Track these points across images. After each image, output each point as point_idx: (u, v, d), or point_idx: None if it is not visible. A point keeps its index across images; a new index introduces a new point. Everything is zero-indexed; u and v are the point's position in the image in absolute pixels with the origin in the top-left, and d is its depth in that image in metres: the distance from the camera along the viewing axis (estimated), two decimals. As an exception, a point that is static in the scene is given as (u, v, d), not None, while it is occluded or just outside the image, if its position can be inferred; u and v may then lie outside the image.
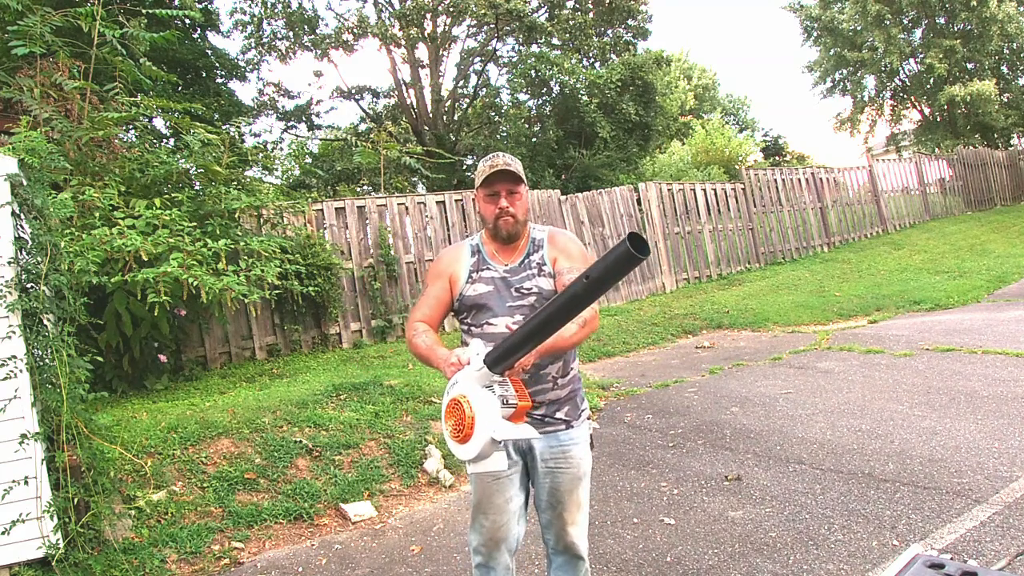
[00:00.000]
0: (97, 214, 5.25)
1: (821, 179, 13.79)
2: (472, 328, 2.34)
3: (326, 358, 7.54)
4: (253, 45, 18.02)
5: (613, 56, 19.02)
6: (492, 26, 17.72)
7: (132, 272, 4.94)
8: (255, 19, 17.70)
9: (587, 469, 2.38)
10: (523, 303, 2.30)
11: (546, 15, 18.67)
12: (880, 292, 9.66)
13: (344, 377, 6.07)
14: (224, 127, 11.66)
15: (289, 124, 19.23)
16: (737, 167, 19.07)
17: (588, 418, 2.45)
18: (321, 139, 20.26)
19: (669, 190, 11.48)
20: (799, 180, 13.49)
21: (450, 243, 9.14)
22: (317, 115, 19.37)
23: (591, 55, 19.55)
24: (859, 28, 22.87)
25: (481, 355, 1.87)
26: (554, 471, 2.33)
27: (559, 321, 1.74)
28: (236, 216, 6.74)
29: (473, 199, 2.63)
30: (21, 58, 6.04)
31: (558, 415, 2.34)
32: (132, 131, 7.89)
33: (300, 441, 4.62)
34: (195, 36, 14.24)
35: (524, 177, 2.33)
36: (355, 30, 17.82)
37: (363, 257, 8.53)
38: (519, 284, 2.32)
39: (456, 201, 9.35)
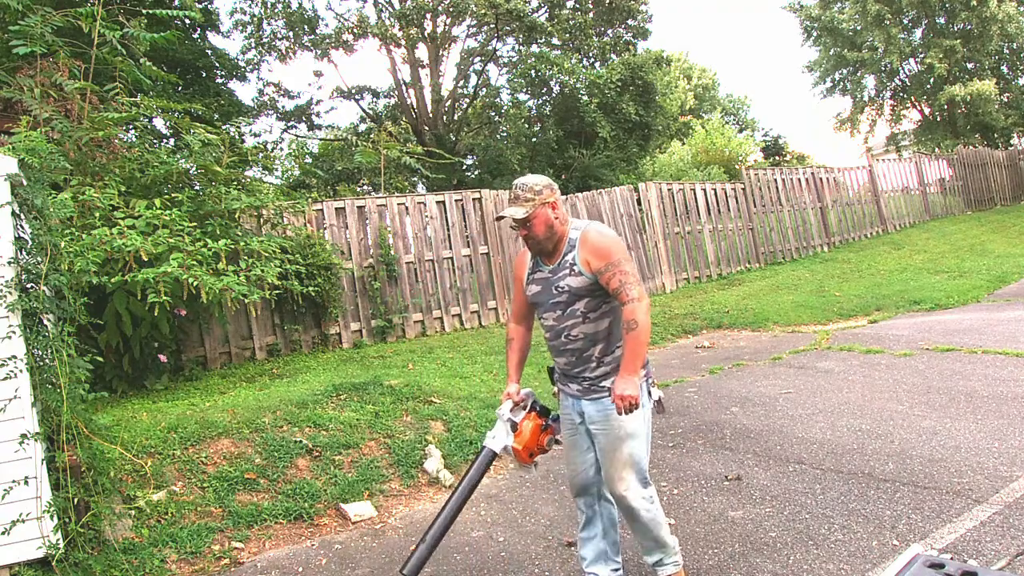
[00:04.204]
0: (97, 214, 5.25)
1: (821, 179, 13.79)
2: (539, 319, 2.86)
3: (326, 358, 7.54)
4: (253, 45, 18.01)
5: (613, 56, 19.01)
6: (492, 26, 17.71)
7: (132, 272, 4.94)
8: (255, 19, 17.68)
9: (633, 431, 2.67)
10: (559, 300, 2.70)
11: (546, 15, 18.66)
12: (880, 292, 9.66)
13: (344, 377, 6.07)
14: (224, 127, 11.66)
15: (289, 124, 19.22)
16: (737, 167, 19.08)
17: (650, 384, 2.75)
18: (321, 139, 20.25)
19: (669, 190, 11.48)
20: (799, 180, 13.49)
21: (450, 243, 9.21)
22: (317, 115, 19.36)
23: (591, 55, 19.55)
24: (859, 28, 22.87)
25: (503, 415, 2.78)
26: (598, 433, 2.72)
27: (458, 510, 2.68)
28: (236, 216, 6.74)
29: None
30: (21, 58, 6.04)
31: (603, 383, 2.70)
32: (132, 131, 7.89)
33: (300, 441, 4.62)
34: (195, 36, 14.22)
35: (535, 201, 2.65)
36: (355, 30, 17.81)
37: (363, 257, 8.53)
38: (557, 283, 2.71)
39: (456, 201, 9.35)
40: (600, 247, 2.62)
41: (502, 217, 2.73)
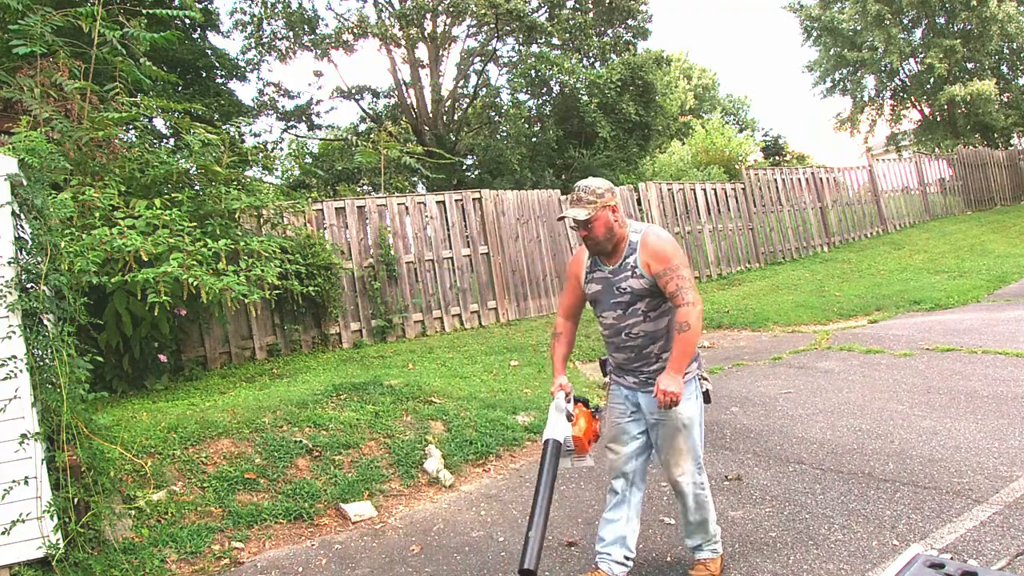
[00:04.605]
0: (97, 214, 5.25)
1: (821, 179, 13.79)
2: (597, 317, 2.98)
3: (326, 358, 7.53)
4: (253, 45, 18.00)
5: (613, 56, 19.01)
6: (492, 26, 17.71)
7: (132, 272, 4.94)
8: (255, 19, 17.68)
9: (688, 422, 2.84)
10: (621, 300, 2.85)
11: (546, 15, 18.66)
12: (880, 292, 9.66)
13: (344, 377, 6.07)
14: (224, 127, 11.65)
15: (289, 124, 19.20)
16: (737, 167, 19.06)
17: (700, 377, 2.91)
18: (321, 139, 20.25)
19: (669, 190, 11.48)
20: (799, 180, 13.49)
21: (450, 243, 9.21)
22: (317, 115, 19.36)
23: (591, 55, 19.54)
24: (859, 28, 22.87)
25: (561, 405, 2.85)
26: (655, 424, 2.89)
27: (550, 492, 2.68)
28: (236, 216, 6.73)
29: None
30: (21, 58, 6.04)
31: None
32: (132, 131, 7.88)
33: (300, 441, 4.62)
34: (195, 36, 14.22)
35: (597, 204, 2.77)
36: (355, 30, 17.80)
37: (363, 257, 8.53)
38: (618, 283, 2.85)
39: (456, 201, 9.35)
40: (660, 252, 2.78)
41: (563, 217, 2.84)
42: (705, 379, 2.96)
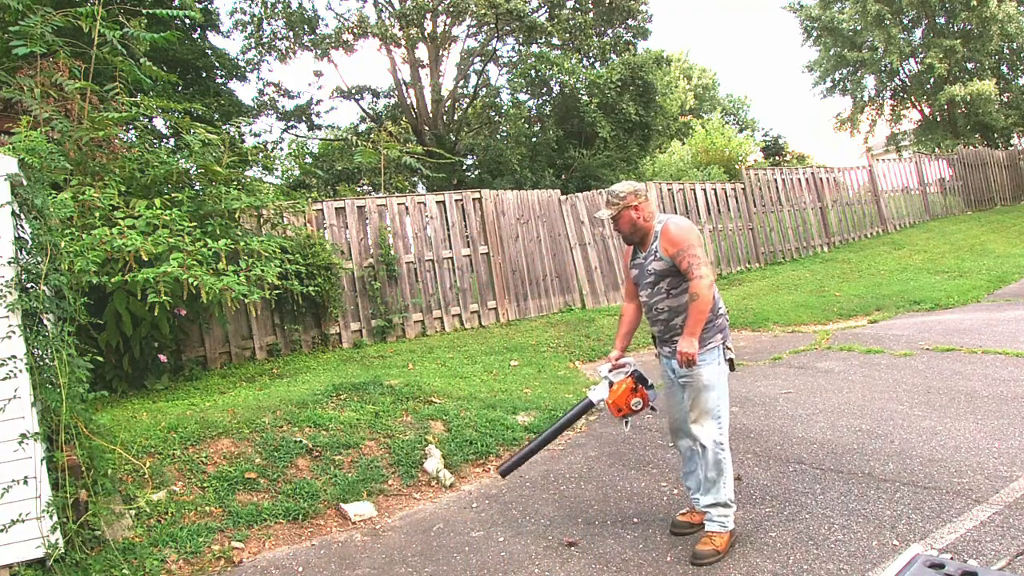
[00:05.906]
0: (97, 214, 5.25)
1: (821, 179, 13.79)
2: (639, 296, 3.52)
3: (326, 358, 7.53)
4: (253, 45, 17.99)
5: (613, 56, 18.99)
6: (492, 26, 17.69)
7: (132, 272, 4.94)
8: (255, 19, 17.67)
9: (708, 383, 3.26)
10: (649, 280, 3.40)
11: (546, 15, 18.64)
12: (880, 292, 9.65)
13: (344, 377, 6.07)
14: (224, 127, 11.65)
15: (289, 124, 19.19)
16: (737, 167, 19.08)
17: (724, 345, 3.32)
18: (321, 139, 20.25)
19: (669, 190, 11.48)
20: (799, 180, 13.49)
21: (450, 243, 9.22)
22: (317, 115, 19.34)
23: (591, 55, 19.52)
24: (859, 28, 22.86)
25: (602, 373, 3.51)
26: (685, 384, 3.35)
27: (561, 432, 3.65)
28: (236, 216, 6.74)
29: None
30: (21, 58, 6.04)
31: None
32: (132, 131, 7.89)
33: (300, 441, 4.62)
34: (195, 36, 14.22)
35: (620, 205, 3.36)
36: (355, 30, 17.78)
37: (363, 257, 8.53)
38: (647, 267, 3.40)
39: (456, 201, 9.35)
40: (674, 237, 3.28)
41: (595, 216, 3.62)
42: (729, 348, 3.36)
